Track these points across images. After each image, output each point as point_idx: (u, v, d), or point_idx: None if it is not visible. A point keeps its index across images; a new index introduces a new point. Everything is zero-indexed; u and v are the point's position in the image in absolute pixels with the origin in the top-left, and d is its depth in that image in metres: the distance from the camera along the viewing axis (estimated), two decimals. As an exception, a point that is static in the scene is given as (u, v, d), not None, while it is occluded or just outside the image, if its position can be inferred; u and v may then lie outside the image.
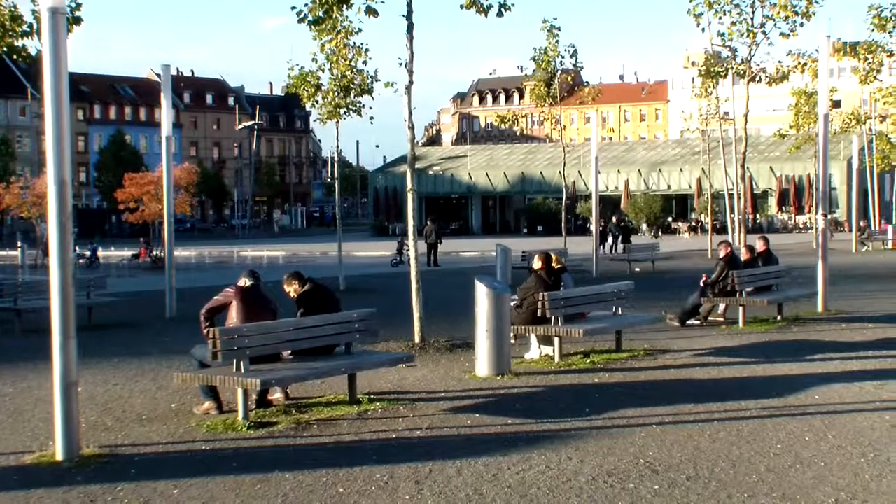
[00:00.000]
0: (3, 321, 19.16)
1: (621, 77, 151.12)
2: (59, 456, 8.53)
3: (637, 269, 31.26)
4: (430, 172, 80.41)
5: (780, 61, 30.53)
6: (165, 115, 20.80)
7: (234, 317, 10.60)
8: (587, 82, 45.35)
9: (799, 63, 30.06)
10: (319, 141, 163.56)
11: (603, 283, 17.08)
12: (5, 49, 19.74)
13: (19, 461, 8.63)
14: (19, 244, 50.05)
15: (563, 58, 32.72)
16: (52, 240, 8.64)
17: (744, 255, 18.75)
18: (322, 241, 64.03)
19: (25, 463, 8.55)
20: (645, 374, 12.63)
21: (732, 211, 37.09)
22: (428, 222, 39.62)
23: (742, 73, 29.46)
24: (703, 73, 32.52)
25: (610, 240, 43.50)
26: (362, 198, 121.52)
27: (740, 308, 17.10)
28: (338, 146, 27.05)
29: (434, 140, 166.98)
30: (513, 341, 13.31)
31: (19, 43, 19.73)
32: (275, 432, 9.56)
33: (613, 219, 46.37)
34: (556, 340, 13.51)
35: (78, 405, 8.75)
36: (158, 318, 20.08)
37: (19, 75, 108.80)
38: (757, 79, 30.27)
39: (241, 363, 9.92)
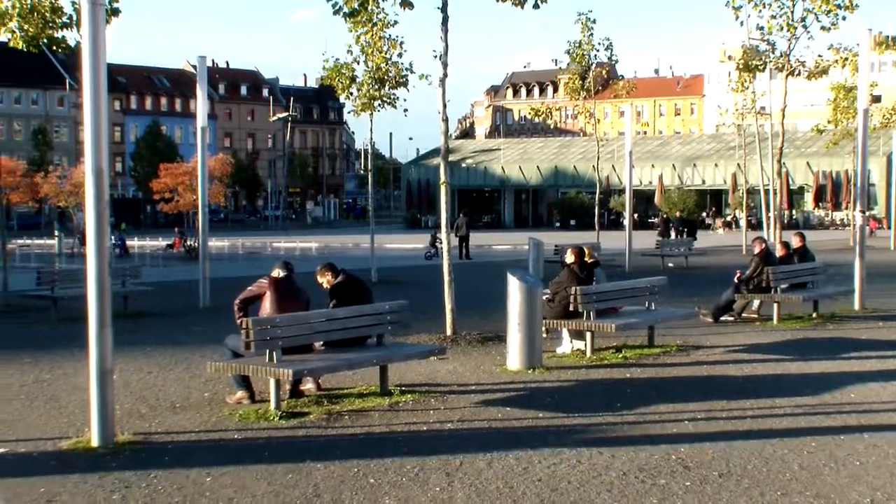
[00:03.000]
0: (40, 309, 19.35)
1: (656, 71, 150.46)
2: (94, 442, 8.62)
3: (670, 265, 31.13)
4: (463, 165, 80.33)
5: (819, 55, 30.19)
6: (201, 106, 20.91)
7: (267, 307, 10.65)
8: (622, 76, 45.32)
9: (840, 57, 29.73)
10: (353, 133, 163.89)
11: (636, 279, 17.01)
12: (45, 40, 19.88)
13: (56, 446, 8.72)
14: (56, 233, 50.55)
15: (597, 51, 32.63)
16: (88, 229, 8.71)
17: (779, 252, 18.63)
18: (355, 233, 64.20)
19: (62, 448, 8.64)
20: (677, 369, 12.58)
21: (768, 207, 36.84)
22: (460, 215, 39.71)
23: (781, 67, 29.20)
24: (740, 67, 32.25)
25: (673, 235, 43.10)
26: (395, 190, 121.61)
27: (775, 304, 17.00)
28: (371, 138, 27.13)
29: (467, 133, 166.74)
30: (544, 335, 13.29)
31: (59, 34, 19.89)
32: (306, 422, 9.60)
33: (676, 213, 45.91)
34: (588, 335, 13.48)
35: (113, 392, 8.83)
36: (192, 308, 20.21)
37: (58, 66, 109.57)
38: (796, 73, 29.96)
39: (274, 353, 9.96)
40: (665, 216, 46.12)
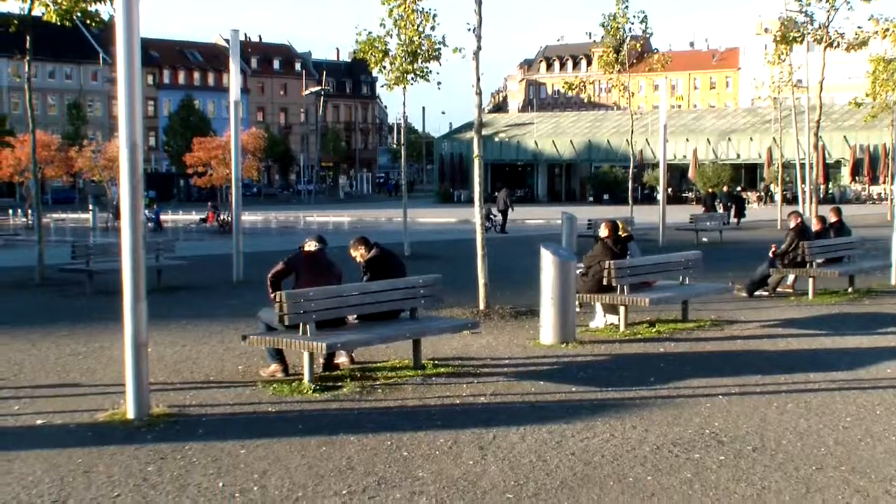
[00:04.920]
0: (75, 283, 19.50)
1: (691, 44, 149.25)
2: (129, 415, 8.68)
3: (704, 239, 30.95)
4: (496, 139, 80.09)
5: (859, 27, 29.77)
6: (234, 80, 20.92)
7: (300, 281, 10.67)
8: (656, 49, 44.89)
9: (880, 29, 29.29)
10: (385, 107, 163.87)
11: (669, 253, 16.92)
12: (79, 14, 19.99)
13: (93, 419, 8.79)
14: (91, 207, 50.92)
15: (632, 24, 32.42)
16: (123, 202, 8.74)
17: (815, 226, 18.47)
18: (387, 208, 64.25)
19: (98, 421, 8.71)
20: (711, 344, 12.52)
21: (804, 181, 36.55)
22: (502, 190, 40.07)
23: (819, 39, 28.86)
24: (777, 39, 31.91)
25: (721, 210, 42.57)
26: (428, 164, 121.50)
27: (810, 279, 16.88)
28: (404, 112, 27.07)
29: (500, 107, 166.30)
30: (578, 309, 13.25)
31: (92, 8, 19.98)
32: (340, 396, 9.63)
33: (724, 188, 45.41)
34: (622, 309, 13.43)
35: (148, 365, 8.89)
36: (226, 282, 20.31)
37: (91, 41, 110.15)
38: (834, 45, 29.58)
39: (308, 327, 9.99)
40: (711, 191, 45.55)
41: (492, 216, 38.76)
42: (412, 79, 23.21)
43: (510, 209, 39.38)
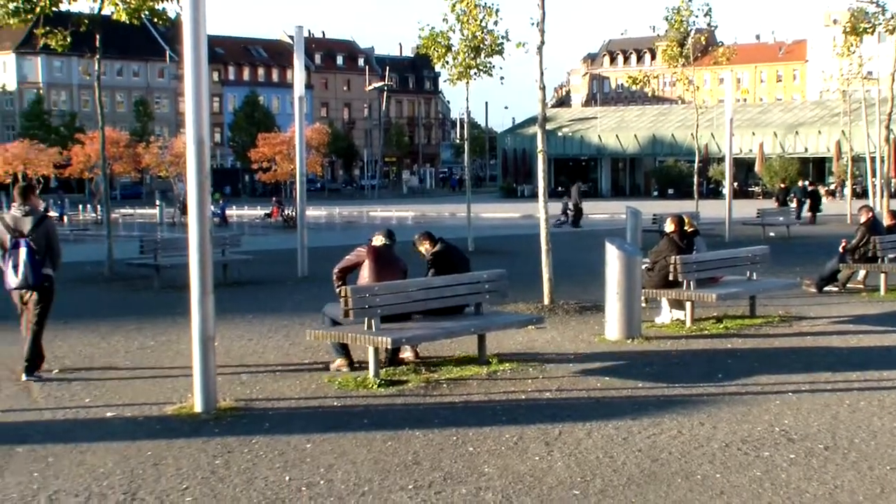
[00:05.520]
0: (143, 277, 19.74)
1: (757, 37, 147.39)
2: (197, 408, 8.77)
3: (772, 234, 30.53)
4: (560, 134, 79.65)
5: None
6: (298, 75, 21.05)
7: (365, 276, 10.69)
8: (721, 42, 44.38)
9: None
10: (448, 102, 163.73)
11: (736, 248, 16.72)
12: (147, 13, 20.25)
13: (161, 412, 8.89)
14: (158, 202, 51.59)
15: (696, 17, 32.07)
16: (190, 198, 8.81)
17: (887, 221, 18.11)
18: (450, 202, 64.27)
19: (167, 413, 8.81)
20: (780, 340, 12.35)
21: (874, 175, 35.94)
22: (576, 184, 40.35)
23: (891, 29, 28.32)
24: (846, 30, 31.38)
25: (794, 205, 41.81)
26: (491, 159, 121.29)
27: (882, 275, 16.57)
28: (467, 107, 27.05)
29: (563, 101, 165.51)
30: (643, 305, 13.15)
31: (160, 6, 20.23)
32: (405, 390, 9.64)
33: (800, 183, 44.65)
34: (688, 305, 13.29)
35: (215, 359, 8.96)
36: (291, 276, 20.43)
37: (158, 38, 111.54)
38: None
39: (373, 321, 10.01)
40: (784, 185, 44.80)
41: (568, 211, 38.92)
42: (475, 74, 23.20)
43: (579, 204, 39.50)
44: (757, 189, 67.31)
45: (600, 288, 12.79)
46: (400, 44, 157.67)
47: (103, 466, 7.25)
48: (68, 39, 19.89)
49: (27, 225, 10.35)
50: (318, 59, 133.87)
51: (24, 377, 10.38)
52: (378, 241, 11.01)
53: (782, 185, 45.49)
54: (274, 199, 53.92)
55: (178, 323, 13.06)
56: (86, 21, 20.26)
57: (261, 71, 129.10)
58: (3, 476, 7.07)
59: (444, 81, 24.66)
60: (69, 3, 20.16)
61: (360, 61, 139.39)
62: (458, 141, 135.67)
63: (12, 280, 10.28)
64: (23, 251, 10.21)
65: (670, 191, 68.57)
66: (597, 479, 6.83)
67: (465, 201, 28.40)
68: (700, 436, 7.87)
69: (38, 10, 19.37)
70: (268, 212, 51.34)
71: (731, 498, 6.43)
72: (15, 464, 7.37)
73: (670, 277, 13.24)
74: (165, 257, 19.38)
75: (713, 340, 12.34)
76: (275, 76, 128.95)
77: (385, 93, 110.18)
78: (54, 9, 19.78)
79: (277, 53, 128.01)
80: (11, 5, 19.17)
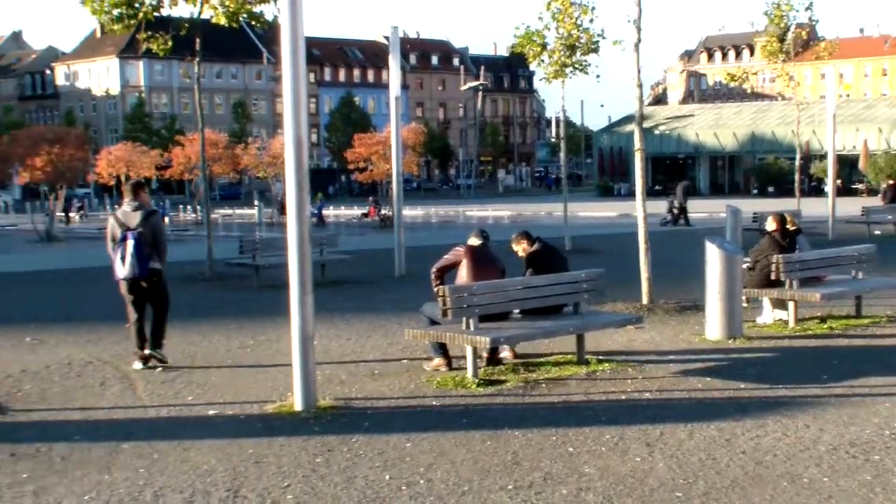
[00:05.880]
0: (242, 276, 20.02)
1: (861, 30, 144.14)
2: (297, 406, 8.84)
3: (877, 232, 29.79)
4: (656, 132, 78.81)
5: None
6: (394, 76, 21.12)
7: (463, 275, 10.68)
8: (822, 37, 43.45)
9: None
10: (543, 101, 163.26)
11: (840, 247, 16.34)
12: (245, 16, 20.52)
13: (262, 410, 8.99)
14: (256, 203, 52.27)
15: (797, 11, 31.46)
16: (289, 197, 8.89)
17: None
18: (546, 202, 64.05)
19: (267, 412, 8.91)
20: (889, 341, 12.04)
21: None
22: (685, 182, 40.29)
23: None
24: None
25: None
26: (586, 158, 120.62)
27: None
28: (563, 105, 26.89)
29: (660, 99, 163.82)
30: (744, 305, 12.93)
31: (258, 9, 20.50)
32: (503, 390, 9.61)
33: None
34: (791, 304, 13.02)
35: (314, 358, 9.03)
36: (388, 276, 20.52)
37: (256, 41, 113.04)
38: None
39: (471, 321, 9.99)
40: (893, 182, 43.55)
41: (673, 210, 38.64)
42: (570, 72, 23.05)
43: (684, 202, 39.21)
44: (861, 186, 65.75)
45: (700, 287, 12.61)
46: (494, 43, 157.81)
47: (206, 464, 7.35)
48: (169, 43, 20.26)
49: (135, 219, 10.96)
50: (413, 59, 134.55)
51: (146, 351, 11.18)
52: (474, 240, 11.00)
53: (890, 182, 44.25)
54: (370, 198, 54.31)
55: (277, 322, 13.20)
56: (186, 25, 20.61)
57: (356, 72, 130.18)
58: (111, 472, 7.22)
59: (540, 80, 24.54)
60: (170, 8, 20.52)
61: (455, 61, 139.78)
62: (553, 140, 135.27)
63: (120, 271, 10.92)
64: (130, 244, 10.81)
65: (770, 189, 67.35)
66: (700, 482, 6.72)
67: (561, 200, 28.26)
68: (806, 438, 7.70)
69: (140, 15, 19.75)
70: (364, 211, 51.75)
71: (839, 502, 6.27)
72: (121, 460, 7.51)
73: (772, 277, 12.99)
74: (264, 257, 19.61)
75: (817, 341, 12.08)
76: (370, 77, 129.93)
77: (480, 92, 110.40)
78: (156, 14, 20.16)
79: (373, 54, 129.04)
80: (115, 12, 19.59)
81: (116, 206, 12.14)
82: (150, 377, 10.63)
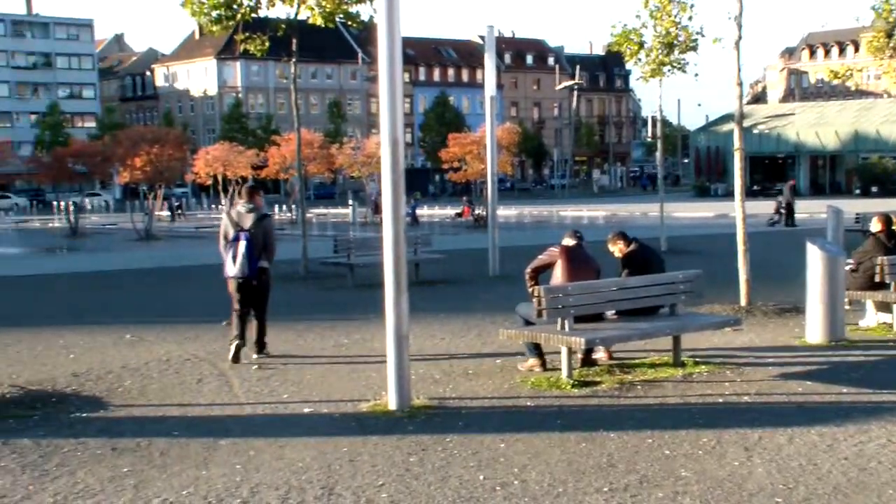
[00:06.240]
0: (337, 276, 20.17)
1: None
2: (391, 405, 8.86)
3: None
4: (755, 132, 77.56)
5: None
6: (489, 75, 21.09)
7: (558, 276, 10.61)
8: (931, 32, 42.19)
9: None
10: (639, 100, 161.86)
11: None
12: (341, 16, 20.68)
13: (356, 409, 9.03)
14: (350, 202, 52.67)
15: (908, 5, 30.60)
16: (384, 197, 8.92)
17: None
18: (642, 202, 63.46)
19: (361, 411, 8.94)
20: None
21: None
22: (791, 182, 41.20)
23: None
24: None
25: None
26: (683, 158, 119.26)
27: None
28: (660, 105, 26.59)
29: (759, 98, 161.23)
30: (847, 307, 12.62)
31: (353, 10, 20.64)
32: (598, 392, 9.52)
33: None
34: (896, 307, 12.70)
35: (409, 358, 9.04)
36: (482, 276, 20.50)
37: (350, 41, 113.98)
38: None
39: (566, 322, 9.92)
40: None
41: (781, 210, 38.22)
42: (668, 70, 22.75)
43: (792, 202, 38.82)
44: None
45: (800, 289, 12.37)
46: (590, 42, 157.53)
47: (301, 461, 7.40)
48: (266, 44, 20.50)
49: (249, 221, 11.35)
50: (507, 58, 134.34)
51: (254, 356, 11.55)
52: (569, 241, 10.92)
53: None
54: (464, 198, 54.35)
55: (371, 321, 13.28)
56: (283, 26, 20.84)
57: (451, 71, 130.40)
58: (209, 467, 7.31)
59: (637, 79, 24.25)
60: (267, 9, 20.75)
61: (550, 60, 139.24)
62: (648, 139, 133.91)
63: (230, 269, 11.30)
64: (242, 244, 11.20)
65: (874, 189, 65.81)
66: (800, 487, 6.57)
67: (656, 200, 27.95)
68: (911, 445, 7.49)
69: (238, 16, 20.02)
70: (458, 211, 51.84)
71: (947, 512, 6.08)
72: (219, 456, 7.61)
73: (876, 279, 12.66)
74: (358, 256, 19.74)
75: (923, 345, 11.76)
76: (464, 76, 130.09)
77: (575, 91, 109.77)
78: (253, 15, 20.41)
79: (467, 54, 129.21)
80: (214, 13, 19.90)
81: (229, 205, 12.47)
82: (246, 375, 10.76)
